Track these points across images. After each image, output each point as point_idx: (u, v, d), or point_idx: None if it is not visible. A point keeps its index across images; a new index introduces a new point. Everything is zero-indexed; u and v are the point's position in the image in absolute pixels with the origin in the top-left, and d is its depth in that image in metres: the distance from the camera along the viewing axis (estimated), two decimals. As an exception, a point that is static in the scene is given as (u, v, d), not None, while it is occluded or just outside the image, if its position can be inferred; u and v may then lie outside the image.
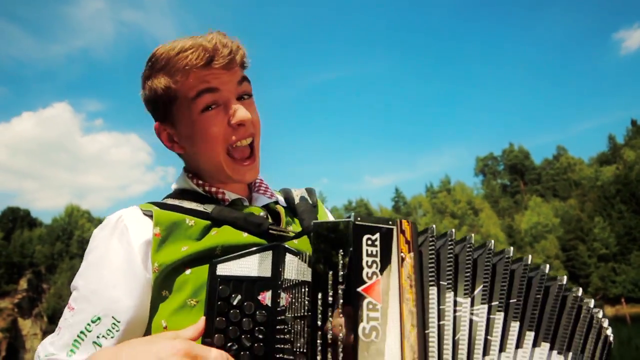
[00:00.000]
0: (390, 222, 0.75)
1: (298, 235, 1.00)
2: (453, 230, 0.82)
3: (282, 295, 0.79)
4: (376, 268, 0.71)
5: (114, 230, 0.99)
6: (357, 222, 0.72)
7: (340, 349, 0.67)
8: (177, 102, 1.05)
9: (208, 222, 1.01)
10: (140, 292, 0.94)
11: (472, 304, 0.78)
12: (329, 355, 0.68)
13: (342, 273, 0.70)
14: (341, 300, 0.69)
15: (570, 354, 0.80)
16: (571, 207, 59.73)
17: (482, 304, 0.78)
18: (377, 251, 0.72)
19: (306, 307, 0.73)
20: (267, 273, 0.78)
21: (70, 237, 67.89)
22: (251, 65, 1.13)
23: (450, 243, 0.80)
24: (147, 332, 0.97)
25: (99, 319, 0.92)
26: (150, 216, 0.99)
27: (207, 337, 0.76)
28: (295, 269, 0.79)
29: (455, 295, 0.78)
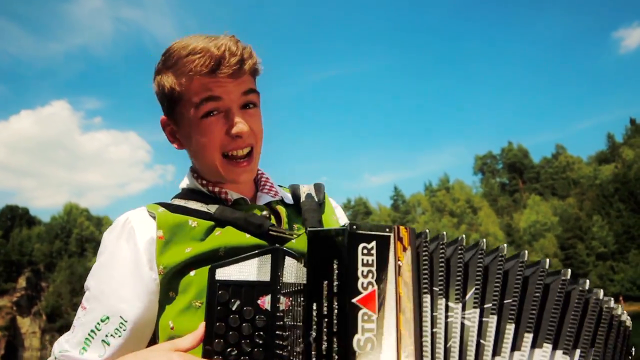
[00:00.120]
0: (387, 230, 0.73)
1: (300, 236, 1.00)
2: (444, 233, 0.79)
3: (282, 299, 0.78)
4: (372, 278, 0.69)
5: (122, 232, 1.02)
6: (352, 231, 0.70)
7: None
8: (181, 103, 1.06)
9: (211, 223, 1.02)
10: (147, 293, 0.97)
11: (463, 309, 0.76)
12: None
13: (336, 283, 0.68)
14: (336, 311, 0.68)
15: (578, 351, 0.76)
16: (570, 206, 59.85)
17: (474, 307, 0.75)
18: (373, 260, 0.70)
19: (301, 317, 0.72)
20: (267, 277, 0.78)
21: (69, 235, 67.87)
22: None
23: (442, 246, 0.78)
24: (155, 332, 1.00)
25: (107, 318, 0.96)
26: (155, 218, 1.01)
27: (207, 344, 0.76)
28: (294, 272, 0.77)
29: (447, 300, 0.76)
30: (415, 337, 0.71)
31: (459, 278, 0.77)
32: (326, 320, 0.68)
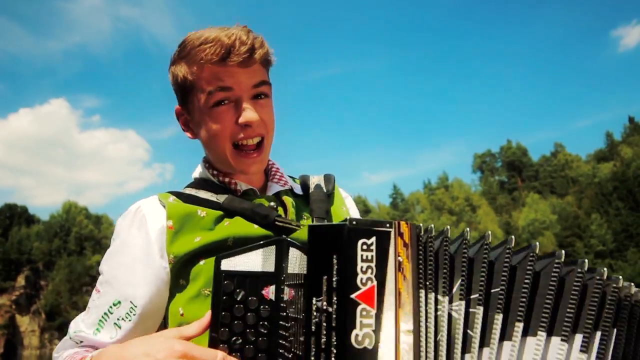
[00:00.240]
0: (387, 225, 0.72)
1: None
2: (432, 225, 0.78)
3: (286, 290, 0.79)
4: (371, 273, 0.70)
5: (134, 220, 1.05)
6: (351, 226, 0.70)
7: (333, 356, 0.67)
8: (193, 92, 1.08)
9: (220, 213, 1.05)
10: (157, 280, 1.01)
11: (450, 301, 0.75)
12: None
13: (336, 278, 0.69)
14: (335, 307, 0.69)
15: (579, 336, 0.73)
16: (568, 204, 59.92)
17: (459, 299, 0.75)
18: (372, 256, 0.70)
19: (301, 310, 0.73)
20: (271, 268, 0.79)
21: (67, 233, 67.78)
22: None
23: (430, 240, 0.77)
24: (165, 318, 1.05)
25: (119, 302, 1.01)
26: (165, 207, 1.04)
27: (213, 332, 0.78)
28: (299, 263, 0.78)
29: (436, 294, 0.75)
30: (414, 333, 0.71)
31: (445, 270, 0.76)
32: (325, 315, 0.69)
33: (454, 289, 0.76)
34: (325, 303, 0.69)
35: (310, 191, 1.19)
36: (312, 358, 0.69)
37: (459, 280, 0.76)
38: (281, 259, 0.79)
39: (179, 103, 1.16)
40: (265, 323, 0.77)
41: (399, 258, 0.72)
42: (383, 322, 0.69)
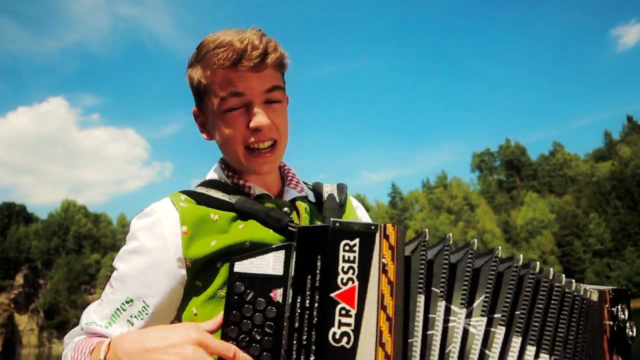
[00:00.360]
0: (372, 227, 0.75)
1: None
2: (451, 234, 0.80)
3: (291, 292, 0.83)
4: (352, 274, 0.73)
5: (149, 223, 1.05)
6: (334, 227, 0.74)
7: (312, 352, 0.72)
8: (207, 96, 1.10)
9: (232, 214, 1.05)
10: (169, 281, 1.02)
11: (469, 315, 0.76)
12: (302, 358, 0.73)
13: (319, 278, 0.74)
14: (316, 305, 0.73)
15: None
16: (567, 203, 60.00)
17: (481, 315, 0.75)
18: (354, 257, 0.73)
19: (288, 310, 0.77)
20: (280, 271, 0.83)
21: (66, 232, 67.72)
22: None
23: (447, 249, 0.78)
24: (178, 318, 1.07)
25: (132, 300, 1.02)
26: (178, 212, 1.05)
27: (224, 329, 0.83)
28: None
29: (450, 303, 0.76)
30: (397, 333, 0.73)
31: (466, 282, 0.77)
32: (307, 312, 0.74)
33: (475, 304, 0.77)
34: (308, 301, 0.74)
35: (323, 200, 1.21)
36: (294, 354, 0.74)
37: (482, 296, 0.77)
38: (289, 263, 0.83)
39: (196, 105, 1.18)
40: (271, 323, 0.81)
41: (383, 260, 0.74)
42: (363, 322, 0.72)
